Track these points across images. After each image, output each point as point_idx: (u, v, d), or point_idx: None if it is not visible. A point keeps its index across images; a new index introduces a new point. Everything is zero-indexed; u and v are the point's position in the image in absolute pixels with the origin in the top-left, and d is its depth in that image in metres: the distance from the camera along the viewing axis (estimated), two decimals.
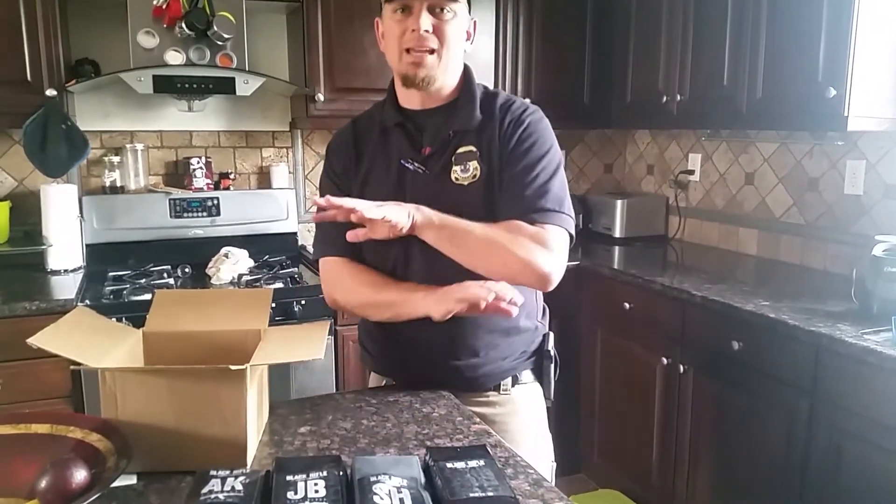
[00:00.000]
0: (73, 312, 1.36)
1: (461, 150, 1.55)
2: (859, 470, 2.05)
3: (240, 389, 1.20)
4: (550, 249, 1.45)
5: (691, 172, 3.61)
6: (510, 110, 1.57)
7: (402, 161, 1.57)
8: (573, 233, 1.52)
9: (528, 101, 1.63)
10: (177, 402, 1.20)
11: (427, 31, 1.47)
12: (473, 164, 1.54)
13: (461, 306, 1.41)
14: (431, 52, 1.49)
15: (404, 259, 1.58)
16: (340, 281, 1.61)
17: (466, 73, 1.62)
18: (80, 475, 1.01)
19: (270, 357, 1.28)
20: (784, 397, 2.25)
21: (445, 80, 1.55)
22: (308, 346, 1.29)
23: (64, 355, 1.17)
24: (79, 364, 1.17)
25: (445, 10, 1.48)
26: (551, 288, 1.50)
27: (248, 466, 1.24)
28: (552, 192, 1.50)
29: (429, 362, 1.60)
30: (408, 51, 1.50)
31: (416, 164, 1.56)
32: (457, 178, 1.54)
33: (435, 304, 1.44)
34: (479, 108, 1.58)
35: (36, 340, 1.17)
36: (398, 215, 1.38)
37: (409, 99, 1.60)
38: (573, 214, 1.54)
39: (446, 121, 1.57)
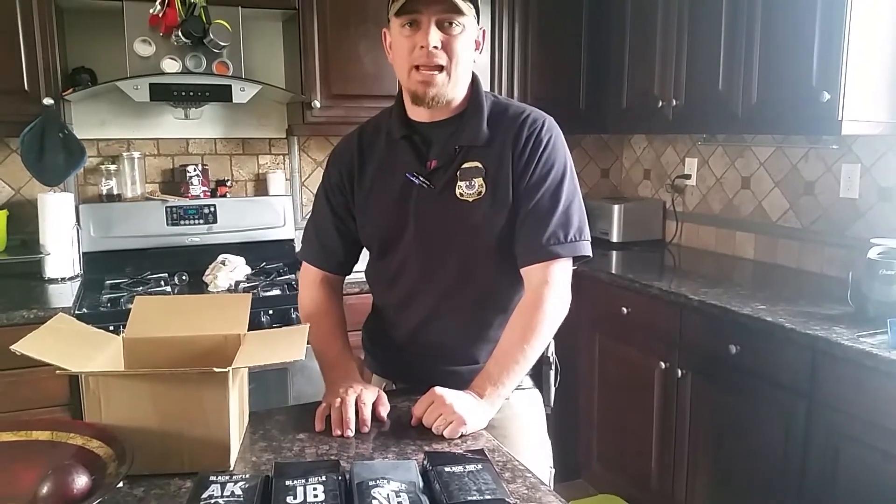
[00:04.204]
0: (54, 319, 1.36)
1: (467, 165, 1.55)
2: (856, 472, 2.05)
3: (223, 392, 1.21)
4: (565, 292, 1.55)
5: (688, 177, 3.62)
6: (527, 124, 1.56)
7: (407, 174, 1.57)
8: (590, 253, 1.58)
9: (540, 112, 1.61)
10: (160, 405, 1.21)
11: (436, 47, 1.45)
12: (479, 182, 1.54)
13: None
14: (440, 69, 1.48)
15: (400, 268, 1.62)
16: (304, 292, 1.75)
17: (474, 84, 1.60)
18: (80, 481, 1.01)
19: (252, 359, 1.29)
20: (781, 400, 2.26)
21: (455, 94, 1.55)
22: (289, 348, 1.30)
23: (47, 361, 1.18)
24: (63, 369, 1.18)
25: (454, 24, 1.46)
26: None
27: (232, 467, 1.25)
28: (572, 221, 1.55)
29: (430, 367, 1.61)
30: (417, 68, 1.49)
31: (422, 179, 1.56)
32: (461, 195, 1.54)
33: (327, 384, 1.57)
34: (488, 121, 1.57)
35: (19, 346, 1.17)
36: (479, 424, 1.43)
37: (417, 111, 1.59)
38: (588, 234, 1.58)
39: (453, 134, 1.56)
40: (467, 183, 1.54)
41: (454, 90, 1.53)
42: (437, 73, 1.48)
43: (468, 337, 1.62)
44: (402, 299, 1.65)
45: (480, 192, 1.54)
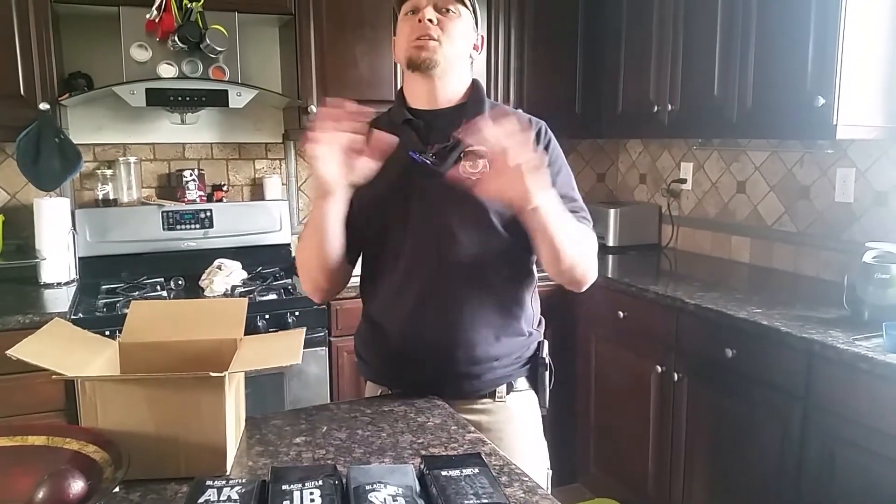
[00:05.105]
0: (50, 324, 1.36)
1: (471, 148, 1.56)
2: (852, 475, 2.05)
3: (219, 396, 1.22)
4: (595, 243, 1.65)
5: (683, 181, 3.63)
6: (531, 124, 1.63)
7: (410, 152, 1.58)
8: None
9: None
10: (156, 410, 1.21)
11: (430, 20, 1.52)
12: (483, 161, 1.55)
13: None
14: (435, 40, 1.54)
15: (400, 250, 1.60)
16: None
17: (476, 84, 1.67)
18: (76, 486, 1.01)
19: (248, 364, 1.29)
20: (777, 404, 2.26)
21: (450, 72, 1.59)
22: (285, 351, 1.30)
23: (43, 366, 1.18)
24: (59, 374, 1.18)
25: (451, 10, 1.55)
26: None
27: (228, 471, 1.25)
28: (586, 211, 1.64)
29: (425, 362, 1.60)
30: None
31: (424, 157, 1.58)
32: (464, 173, 1.55)
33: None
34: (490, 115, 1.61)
35: (15, 352, 1.17)
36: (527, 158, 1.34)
37: (418, 98, 1.62)
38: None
39: (456, 120, 1.59)
40: (471, 162, 1.56)
41: (447, 64, 1.57)
42: (430, 40, 1.54)
43: (464, 322, 1.58)
44: (401, 283, 1.61)
45: (483, 171, 1.54)
